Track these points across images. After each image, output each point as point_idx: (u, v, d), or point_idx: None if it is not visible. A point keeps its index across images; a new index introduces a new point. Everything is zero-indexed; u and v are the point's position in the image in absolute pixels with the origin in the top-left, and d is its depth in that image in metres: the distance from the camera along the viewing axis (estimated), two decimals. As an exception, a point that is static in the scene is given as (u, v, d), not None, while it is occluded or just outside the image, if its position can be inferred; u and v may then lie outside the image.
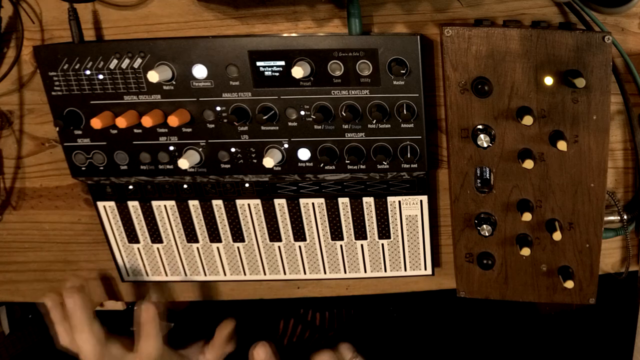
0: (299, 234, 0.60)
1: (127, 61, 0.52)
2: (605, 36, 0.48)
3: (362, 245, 0.61)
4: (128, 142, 0.55)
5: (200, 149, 0.55)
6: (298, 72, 0.49)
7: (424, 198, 0.58)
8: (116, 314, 0.72)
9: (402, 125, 0.53)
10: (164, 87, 0.52)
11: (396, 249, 0.61)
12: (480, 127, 0.52)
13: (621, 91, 0.54)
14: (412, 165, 0.54)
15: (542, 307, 0.89)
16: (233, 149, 0.55)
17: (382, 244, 0.60)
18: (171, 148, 0.55)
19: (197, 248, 0.62)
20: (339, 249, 0.61)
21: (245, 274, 0.63)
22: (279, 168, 0.55)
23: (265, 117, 0.52)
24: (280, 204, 0.59)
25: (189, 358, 0.64)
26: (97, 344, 0.59)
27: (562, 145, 0.50)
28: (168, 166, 0.56)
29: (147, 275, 0.64)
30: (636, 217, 0.59)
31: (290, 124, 0.53)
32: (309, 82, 0.51)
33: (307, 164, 0.55)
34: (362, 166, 0.55)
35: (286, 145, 0.54)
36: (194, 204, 0.59)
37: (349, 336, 0.85)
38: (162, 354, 0.60)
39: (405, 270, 0.62)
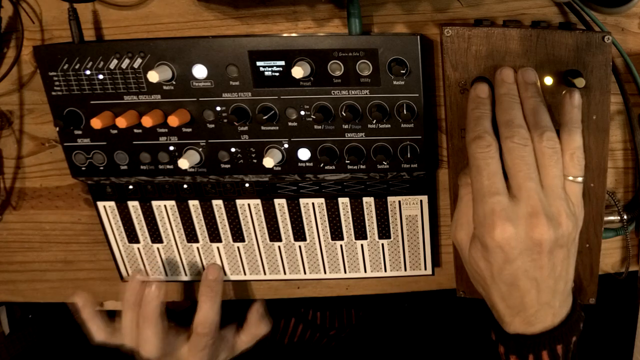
0: (299, 234, 0.60)
1: (127, 61, 0.52)
2: (605, 36, 0.48)
3: (362, 245, 0.61)
4: (128, 142, 0.55)
5: (200, 149, 0.55)
6: (298, 72, 0.49)
7: (424, 198, 0.58)
8: (116, 314, 0.72)
9: (402, 125, 0.53)
10: (164, 87, 0.52)
11: (396, 249, 0.61)
12: (480, 127, 0.52)
13: (621, 91, 0.54)
14: (412, 165, 0.54)
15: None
16: (233, 149, 0.55)
17: (382, 244, 0.60)
18: (171, 148, 0.55)
19: (197, 248, 0.62)
20: (339, 249, 0.61)
21: (245, 274, 0.63)
22: (279, 168, 0.55)
23: (265, 117, 0.52)
24: (280, 204, 0.59)
25: (227, 338, 0.64)
26: (162, 339, 0.58)
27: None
28: (168, 166, 0.56)
29: (147, 275, 0.63)
30: (636, 217, 0.59)
31: (290, 124, 0.53)
32: (309, 82, 0.51)
33: (307, 164, 0.55)
34: (362, 166, 0.55)
35: (286, 145, 0.54)
36: (194, 204, 0.59)
37: (350, 335, 0.85)
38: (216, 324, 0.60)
39: (405, 270, 0.62)
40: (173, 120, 0.51)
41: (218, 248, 0.62)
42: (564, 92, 0.48)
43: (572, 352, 0.48)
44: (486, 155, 0.45)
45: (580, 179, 0.47)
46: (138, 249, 0.62)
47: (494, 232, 0.44)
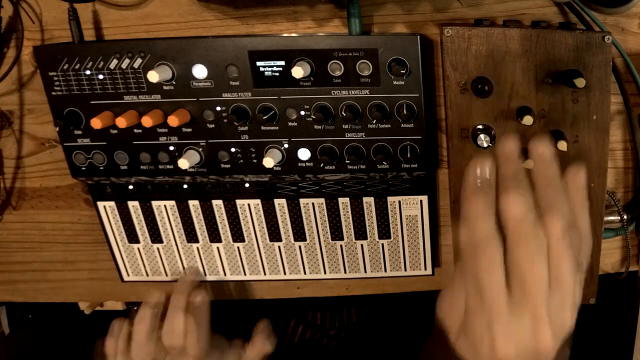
0: (299, 234, 0.60)
1: (127, 61, 0.52)
2: (605, 36, 0.48)
3: (362, 245, 0.61)
4: (128, 142, 0.55)
5: (200, 149, 0.55)
6: (298, 72, 0.49)
7: (424, 198, 0.58)
8: (116, 314, 0.72)
9: (402, 125, 0.53)
10: (164, 87, 0.52)
11: (396, 249, 0.61)
12: (480, 127, 0.52)
13: (621, 91, 0.54)
14: (412, 165, 0.54)
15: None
16: (233, 149, 0.55)
17: (382, 244, 0.60)
18: (171, 148, 0.55)
19: (197, 248, 0.62)
20: (339, 249, 0.61)
21: (245, 274, 0.63)
22: (279, 168, 0.55)
23: (265, 117, 0.52)
24: (280, 204, 0.59)
25: (230, 354, 0.64)
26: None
27: (562, 145, 0.50)
28: (168, 166, 0.56)
29: (147, 275, 0.64)
30: (636, 217, 0.59)
31: (290, 124, 0.53)
32: (309, 82, 0.51)
33: (307, 164, 0.55)
34: (362, 166, 0.55)
35: (286, 145, 0.54)
36: (194, 204, 0.59)
37: (350, 335, 0.85)
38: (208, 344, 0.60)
39: (405, 270, 0.62)
40: (173, 120, 0.51)
41: (218, 248, 0.62)
42: (567, 170, 0.42)
43: None
44: (491, 270, 0.38)
45: (585, 266, 0.41)
46: (138, 249, 0.62)
47: (495, 349, 0.39)
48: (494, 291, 0.38)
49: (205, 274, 0.63)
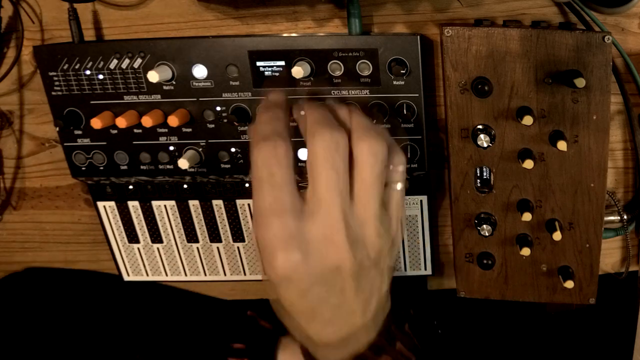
0: (299, 234, 0.60)
1: (127, 61, 0.52)
2: (605, 36, 0.48)
3: (362, 245, 0.61)
4: (128, 142, 0.55)
5: (200, 149, 0.55)
6: (298, 72, 0.49)
7: (424, 198, 0.58)
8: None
9: (402, 125, 0.53)
10: (164, 87, 0.52)
11: (396, 249, 0.61)
12: (480, 127, 0.52)
13: (621, 91, 0.54)
14: (412, 165, 0.54)
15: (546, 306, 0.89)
16: (233, 149, 0.55)
17: (382, 244, 0.60)
18: (171, 148, 0.55)
19: (197, 248, 0.62)
20: (339, 249, 0.61)
21: (245, 274, 0.63)
22: (279, 168, 0.55)
23: (265, 117, 0.52)
24: (280, 204, 0.59)
25: None
26: None
27: (562, 145, 0.50)
28: (168, 166, 0.56)
29: (147, 275, 0.63)
30: (636, 217, 0.59)
31: (290, 123, 0.53)
32: (309, 82, 0.51)
33: (307, 164, 0.55)
34: (362, 166, 0.55)
35: (286, 145, 0.54)
36: (194, 204, 0.59)
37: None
38: None
39: (405, 270, 0.62)
40: (173, 120, 0.51)
41: (218, 248, 0.62)
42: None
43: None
44: (270, 162, 0.36)
45: (400, 186, 0.39)
46: (138, 249, 0.62)
47: (276, 262, 0.35)
48: (277, 188, 0.36)
49: (206, 274, 0.63)
